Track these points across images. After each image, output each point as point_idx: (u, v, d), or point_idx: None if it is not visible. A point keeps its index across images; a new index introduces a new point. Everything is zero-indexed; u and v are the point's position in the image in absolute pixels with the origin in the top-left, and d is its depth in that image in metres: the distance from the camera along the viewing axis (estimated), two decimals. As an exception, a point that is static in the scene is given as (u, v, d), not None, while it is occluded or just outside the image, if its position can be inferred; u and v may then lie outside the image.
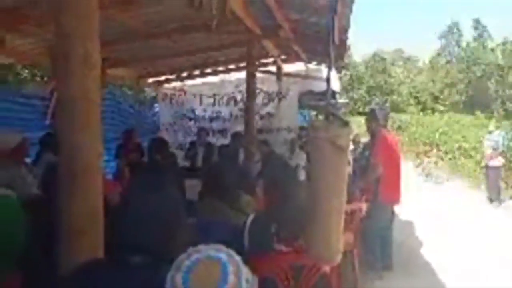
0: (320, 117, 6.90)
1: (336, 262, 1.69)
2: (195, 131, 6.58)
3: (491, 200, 7.66)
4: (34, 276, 1.66)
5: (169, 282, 1.01)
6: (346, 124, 1.57)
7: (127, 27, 4.30)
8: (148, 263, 1.17)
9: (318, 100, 7.08)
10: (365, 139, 5.97)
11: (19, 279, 1.71)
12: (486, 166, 7.96)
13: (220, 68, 6.83)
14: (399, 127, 18.60)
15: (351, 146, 6.08)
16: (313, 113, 9.56)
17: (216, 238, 1.22)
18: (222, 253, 1.04)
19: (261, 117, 6.69)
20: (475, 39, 32.44)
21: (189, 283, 0.98)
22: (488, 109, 22.78)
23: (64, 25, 1.57)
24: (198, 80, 7.05)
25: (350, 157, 5.36)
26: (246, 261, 1.08)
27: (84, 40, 1.58)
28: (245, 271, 1.04)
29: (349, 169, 4.92)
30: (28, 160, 3.40)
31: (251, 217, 2.19)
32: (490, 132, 8.11)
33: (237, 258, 1.05)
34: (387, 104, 25.54)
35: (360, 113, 23.23)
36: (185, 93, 7.04)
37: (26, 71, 8.84)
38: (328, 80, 1.68)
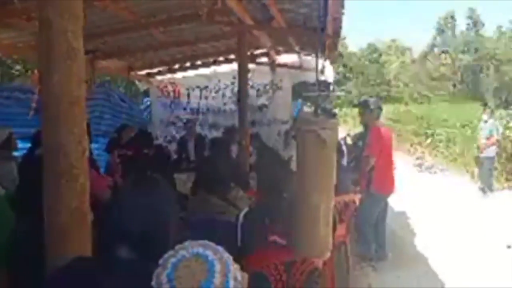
0: (311, 109, 6.87)
1: (326, 257, 1.67)
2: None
3: (483, 190, 7.71)
4: (20, 275, 1.64)
5: (154, 279, 0.99)
6: (333, 116, 1.54)
7: (117, 19, 4.22)
8: (135, 261, 1.15)
9: (310, 91, 7.05)
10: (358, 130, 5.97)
11: (6, 278, 1.69)
12: (480, 156, 7.98)
13: (212, 60, 6.76)
14: (393, 118, 18.63)
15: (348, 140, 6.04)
16: (307, 104, 9.53)
17: (208, 233, 1.20)
18: (209, 250, 1.02)
19: (255, 109, 6.65)
20: (469, 29, 32.43)
21: (174, 281, 0.96)
22: (482, 98, 22.86)
23: (47, 17, 1.52)
24: (190, 72, 6.98)
25: (345, 149, 5.34)
26: (239, 257, 1.06)
27: (67, 32, 1.53)
28: (234, 270, 1.02)
29: (343, 161, 4.92)
30: (16, 154, 3.34)
31: (244, 211, 2.17)
32: (484, 122, 8.11)
33: (226, 255, 1.03)
34: (380, 95, 25.59)
35: (355, 105, 23.21)
36: (177, 85, 6.97)
37: (18, 66, 8.71)
38: (317, 71, 1.65)
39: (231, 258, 1.03)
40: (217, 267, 0.98)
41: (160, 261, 1.01)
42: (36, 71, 7.40)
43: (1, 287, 1.78)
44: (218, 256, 1.00)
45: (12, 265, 1.68)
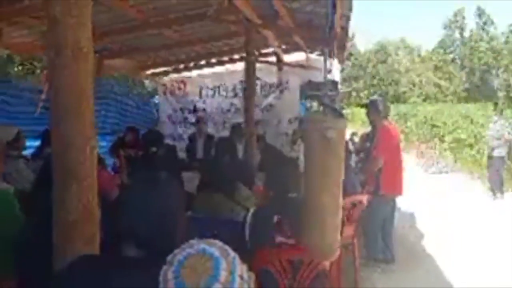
0: (319, 108, 6.83)
1: (333, 257, 1.66)
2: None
3: (493, 191, 7.62)
4: (29, 271, 1.64)
5: (161, 276, 1.00)
6: (340, 116, 1.53)
7: (126, 17, 4.24)
8: (143, 258, 1.16)
9: (317, 91, 7.01)
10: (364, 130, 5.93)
11: (12, 275, 1.70)
12: (489, 156, 7.89)
13: (220, 59, 6.77)
14: (401, 117, 18.50)
15: (355, 139, 6.01)
16: (315, 104, 9.48)
17: (215, 232, 1.20)
18: (216, 248, 1.02)
19: (262, 109, 6.64)
20: (478, 27, 32.07)
21: (180, 277, 0.97)
22: (492, 98, 22.62)
23: (55, 15, 1.53)
24: (198, 72, 7.00)
25: (352, 149, 5.31)
26: (246, 256, 1.06)
27: (75, 30, 1.53)
28: (240, 268, 1.02)
29: (350, 161, 4.89)
30: (25, 153, 3.37)
31: (252, 210, 2.17)
32: (494, 122, 8.02)
33: (232, 254, 1.04)
34: (388, 95, 25.43)
35: (362, 105, 23.01)
36: (185, 84, 6.99)
37: (27, 64, 8.81)
38: (326, 70, 1.64)
39: (237, 256, 1.03)
40: (223, 264, 0.98)
41: (168, 258, 1.02)
42: (45, 71, 7.48)
43: (10, 283, 1.79)
44: (224, 254, 1.00)
45: (21, 263, 1.69)
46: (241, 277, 1.00)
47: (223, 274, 0.97)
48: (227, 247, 1.04)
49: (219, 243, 1.05)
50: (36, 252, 1.59)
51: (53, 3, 1.53)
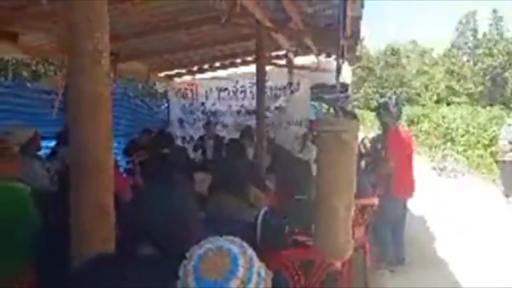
0: (331, 110, 6.83)
1: (345, 258, 1.67)
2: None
3: (507, 195, 7.50)
4: (45, 270, 1.68)
5: (181, 271, 1.03)
6: (354, 118, 1.54)
7: (138, 21, 4.31)
8: (158, 257, 1.18)
9: (328, 93, 7.01)
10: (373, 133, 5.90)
11: (31, 274, 1.74)
12: (502, 160, 7.77)
13: (231, 62, 6.81)
14: (413, 120, 18.31)
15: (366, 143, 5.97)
16: (325, 106, 9.47)
17: (227, 233, 1.22)
18: (235, 245, 1.05)
19: (272, 111, 6.66)
20: (491, 30, 31.64)
21: (199, 272, 0.99)
22: (504, 101, 22.27)
23: (73, 19, 1.57)
24: (209, 74, 7.06)
25: (363, 151, 5.28)
26: (258, 256, 1.09)
27: (93, 34, 1.57)
28: (258, 265, 1.04)
29: (361, 163, 4.87)
30: (41, 153, 3.44)
31: (263, 211, 2.19)
32: (508, 125, 7.90)
33: (250, 251, 1.06)
34: (399, 97, 25.22)
35: (373, 109, 22.81)
36: (196, 87, 7.05)
37: (40, 66, 8.96)
38: (337, 72, 1.65)
39: (255, 254, 1.05)
40: (241, 261, 1.01)
41: (187, 254, 1.05)
42: (58, 73, 7.61)
43: (29, 282, 1.83)
44: (242, 251, 1.03)
45: (41, 262, 1.72)
46: (258, 274, 1.02)
47: (241, 270, 0.99)
48: (245, 244, 1.06)
49: (237, 240, 1.08)
50: (55, 252, 1.63)
51: (71, 7, 1.58)
